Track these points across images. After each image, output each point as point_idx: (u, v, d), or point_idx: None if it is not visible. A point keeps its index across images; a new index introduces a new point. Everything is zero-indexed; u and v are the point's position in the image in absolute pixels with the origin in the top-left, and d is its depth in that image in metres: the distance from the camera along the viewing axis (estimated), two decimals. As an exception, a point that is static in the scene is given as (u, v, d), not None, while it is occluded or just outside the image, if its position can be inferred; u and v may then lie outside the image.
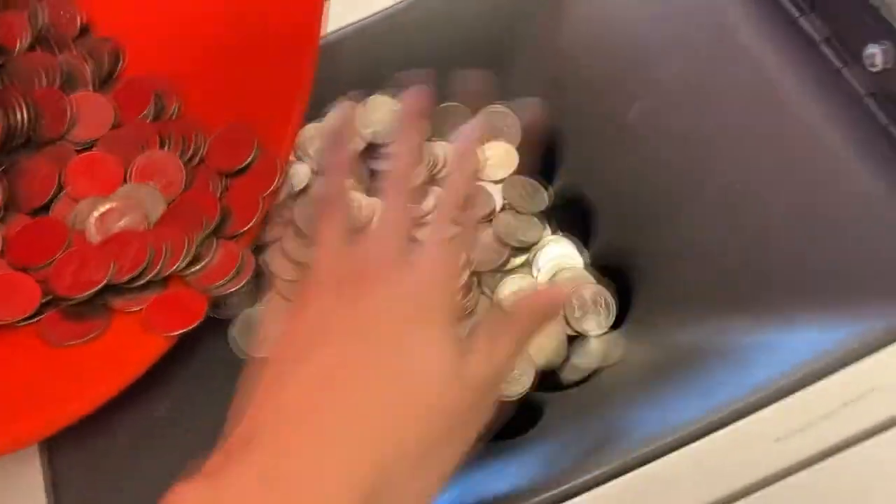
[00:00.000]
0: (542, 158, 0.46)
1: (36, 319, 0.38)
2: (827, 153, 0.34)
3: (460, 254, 0.36)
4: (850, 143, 0.34)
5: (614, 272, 0.43)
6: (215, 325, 0.41)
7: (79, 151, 0.43)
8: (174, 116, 0.45)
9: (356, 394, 0.30)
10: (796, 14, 0.35)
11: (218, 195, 0.42)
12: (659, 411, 0.35)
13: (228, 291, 0.40)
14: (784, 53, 0.36)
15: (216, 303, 0.40)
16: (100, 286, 0.38)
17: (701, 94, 0.40)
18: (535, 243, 0.43)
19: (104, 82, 0.46)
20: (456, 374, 0.31)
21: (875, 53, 0.31)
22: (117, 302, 0.39)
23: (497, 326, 0.34)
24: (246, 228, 0.41)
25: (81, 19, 0.47)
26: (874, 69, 0.32)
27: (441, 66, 0.44)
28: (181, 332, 0.38)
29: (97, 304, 0.39)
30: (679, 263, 0.40)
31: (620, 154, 0.43)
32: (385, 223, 0.35)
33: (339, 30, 0.47)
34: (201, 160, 0.43)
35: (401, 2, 0.47)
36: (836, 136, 0.34)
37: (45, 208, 0.42)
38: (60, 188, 0.42)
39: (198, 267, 0.40)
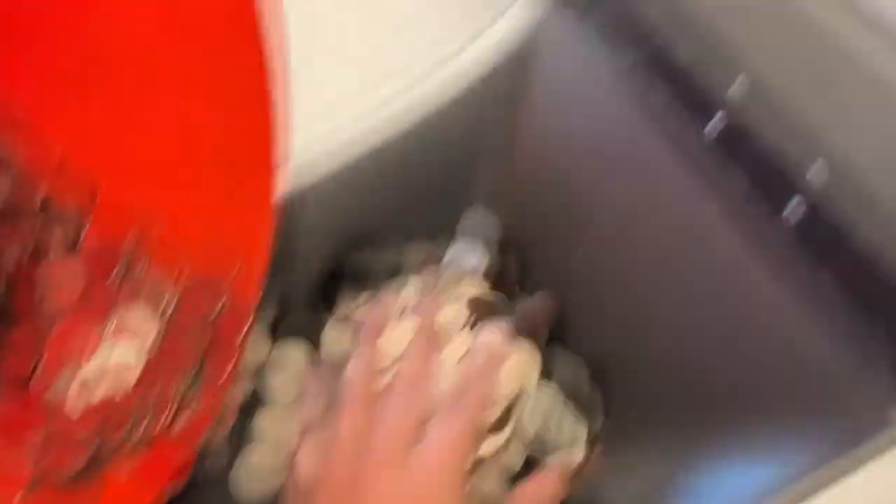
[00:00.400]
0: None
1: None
2: (762, 298, 0.37)
3: (468, 448, 0.37)
4: (784, 289, 0.36)
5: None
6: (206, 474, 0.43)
7: (53, 322, 0.44)
8: (143, 272, 0.47)
9: None
10: (719, 167, 0.38)
11: (194, 345, 0.43)
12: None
13: (215, 439, 0.41)
14: (712, 202, 0.38)
15: (204, 453, 0.41)
16: (87, 459, 0.39)
17: (646, 228, 0.43)
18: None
19: (73, 247, 0.47)
20: None
21: (797, 204, 0.34)
22: (108, 468, 0.39)
23: None
24: (225, 375, 0.42)
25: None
26: (797, 219, 0.35)
27: (406, 211, 0.48)
28: (174, 485, 0.39)
29: (88, 473, 0.39)
30: (631, 393, 0.43)
31: (578, 272, 0.46)
32: (398, 408, 0.37)
33: (305, 182, 0.48)
34: (175, 311, 0.45)
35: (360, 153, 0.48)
36: (770, 282, 0.36)
37: (25, 383, 0.42)
38: (38, 361, 0.42)
39: (182, 418, 0.41)
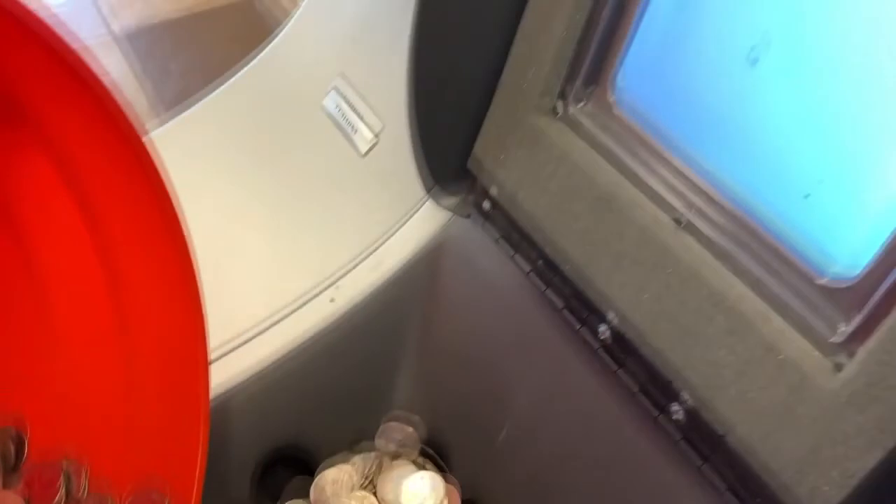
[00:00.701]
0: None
1: None
2: (659, 485, 0.40)
3: None
4: (678, 475, 0.39)
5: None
6: None
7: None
8: (84, 491, 0.48)
9: None
10: (614, 367, 0.42)
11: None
12: None
13: None
14: (611, 397, 0.42)
15: None
16: None
17: (550, 424, 0.46)
18: None
19: (12, 470, 0.49)
20: None
21: (678, 410, 0.39)
22: None
23: None
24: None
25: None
26: (680, 422, 0.39)
27: (326, 409, 0.51)
28: None
29: None
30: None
31: (495, 472, 0.49)
32: None
33: (229, 390, 0.51)
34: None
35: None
36: (665, 469, 0.40)
37: None
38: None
39: None
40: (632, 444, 0.42)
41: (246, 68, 0.61)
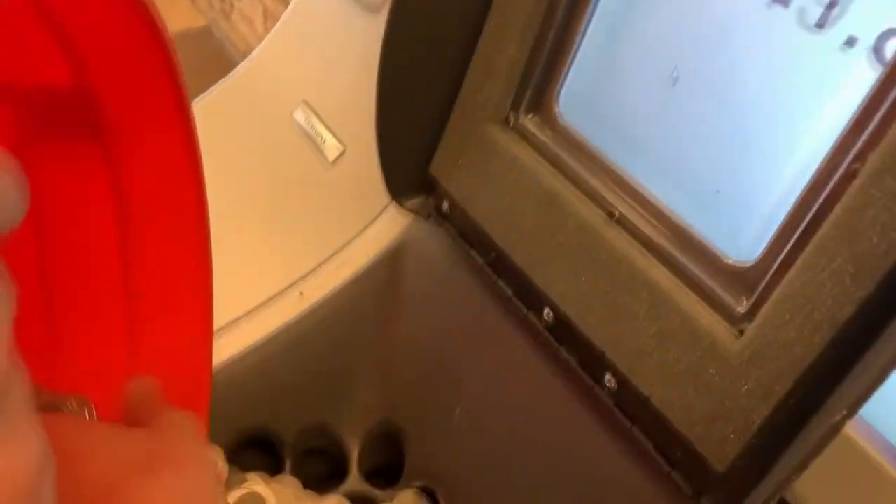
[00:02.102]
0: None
1: None
2: (594, 449, 0.46)
3: None
4: (610, 440, 0.45)
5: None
6: None
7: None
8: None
9: None
10: (556, 346, 0.48)
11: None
12: None
13: None
14: (553, 373, 0.48)
15: None
16: None
17: (499, 404, 0.52)
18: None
19: None
20: None
21: (610, 378, 0.44)
22: None
23: None
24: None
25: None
26: (612, 390, 0.44)
27: (293, 396, 0.55)
28: None
29: None
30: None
31: (449, 449, 0.54)
32: None
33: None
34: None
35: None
36: (600, 435, 0.46)
37: None
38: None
39: None
40: (571, 414, 0.48)
41: (220, 84, 0.66)
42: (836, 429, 0.32)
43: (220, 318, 0.58)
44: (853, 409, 0.31)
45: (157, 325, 0.54)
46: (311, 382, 0.57)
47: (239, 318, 0.58)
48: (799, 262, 0.36)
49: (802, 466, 0.36)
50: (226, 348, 0.57)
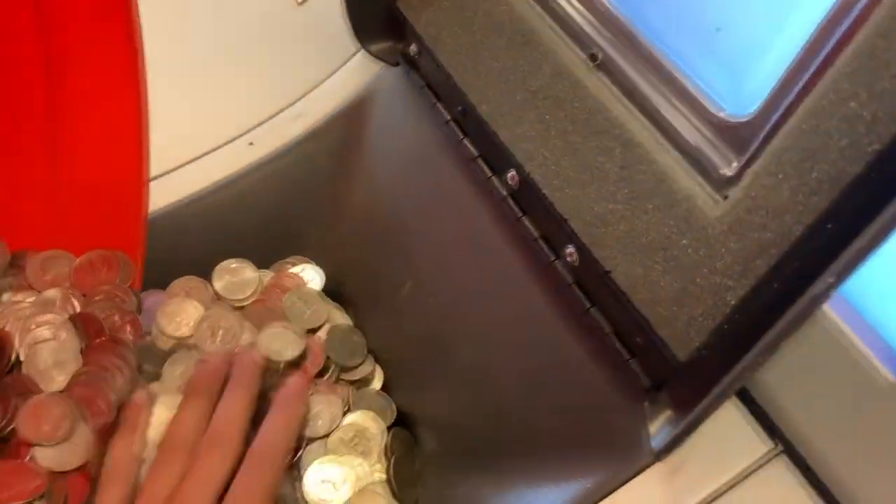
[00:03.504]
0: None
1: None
2: (547, 331, 0.41)
3: (267, 497, 0.37)
4: (565, 322, 0.40)
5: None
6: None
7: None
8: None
9: None
10: (518, 214, 0.42)
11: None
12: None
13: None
14: (511, 245, 0.42)
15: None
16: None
17: (451, 277, 0.46)
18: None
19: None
20: None
21: (572, 252, 0.39)
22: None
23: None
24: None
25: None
26: (574, 264, 0.39)
27: (240, 245, 0.50)
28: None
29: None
30: (439, 424, 0.45)
31: (397, 325, 0.49)
32: (192, 485, 0.37)
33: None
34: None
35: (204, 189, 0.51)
36: (554, 317, 0.40)
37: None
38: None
39: None
40: (527, 291, 0.42)
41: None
42: (818, 302, 0.26)
43: (163, 162, 0.52)
44: (842, 277, 0.25)
45: (83, 144, 0.49)
46: (255, 239, 0.52)
47: (185, 164, 0.52)
48: (801, 110, 0.29)
49: (772, 349, 0.30)
50: (169, 193, 0.51)
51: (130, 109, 0.47)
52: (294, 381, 0.42)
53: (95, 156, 0.49)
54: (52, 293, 0.45)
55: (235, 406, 0.39)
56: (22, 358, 0.42)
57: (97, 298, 0.45)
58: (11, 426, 0.39)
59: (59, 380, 0.41)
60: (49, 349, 0.42)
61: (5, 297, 0.44)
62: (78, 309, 0.44)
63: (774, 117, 0.31)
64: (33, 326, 0.43)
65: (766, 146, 0.30)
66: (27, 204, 0.48)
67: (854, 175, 0.27)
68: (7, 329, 0.42)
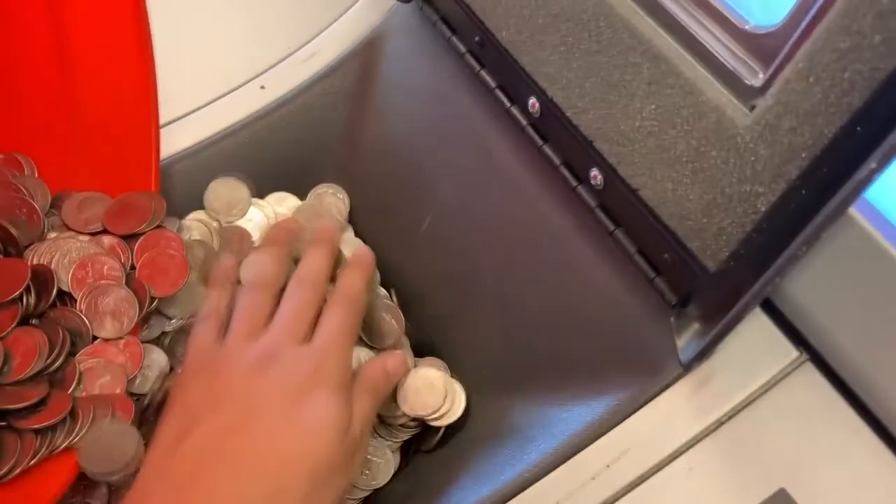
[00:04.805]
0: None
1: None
2: (573, 255, 0.41)
3: (352, 330, 0.41)
4: (589, 246, 0.41)
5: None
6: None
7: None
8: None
9: (243, 458, 0.35)
10: (540, 143, 0.42)
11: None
12: (459, 493, 0.40)
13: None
14: (533, 174, 0.43)
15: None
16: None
17: (473, 210, 0.47)
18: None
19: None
20: (344, 429, 0.37)
21: (596, 175, 0.39)
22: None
23: (362, 390, 0.40)
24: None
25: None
26: (598, 187, 0.39)
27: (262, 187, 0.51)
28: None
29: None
30: (464, 356, 0.46)
31: (418, 262, 0.49)
32: (290, 311, 0.40)
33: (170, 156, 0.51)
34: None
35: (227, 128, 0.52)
36: (578, 242, 0.41)
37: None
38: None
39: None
40: (550, 218, 0.43)
41: None
42: (859, 189, 0.27)
43: (175, 108, 0.52)
44: (885, 160, 0.26)
45: (94, 79, 0.49)
46: (269, 182, 0.52)
47: (196, 110, 0.52)
48: (832, 12, 0.29)
49: (799, 254, 0.31)
50: (181, 139, 0.51)
51: (136, 51, 0.47)
52: (361, 248, 0.47)
53: (107, 102, 0.49)
54: (106, 240, 0.46)
55: (318, 258, 0.42)
56: (76, 296, 0.43)
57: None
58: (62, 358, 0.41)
59: (112, 329, 0.43)
60: (112, 295, 0.43)
61: (52, 235, 0.45)
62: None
63: (803, 24, 0.31)
64: (90, 266, 0.44)
65: (796, 52, 0.31)
66: (44, 150, 0.48)
67: (889, 70, 0.27)
68: (52, 265, 0.43)
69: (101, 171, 0.48)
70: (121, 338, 0.43)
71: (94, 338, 0.43)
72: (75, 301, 0.43)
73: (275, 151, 0.52)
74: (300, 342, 0.39)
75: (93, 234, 0.45)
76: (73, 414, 0.39)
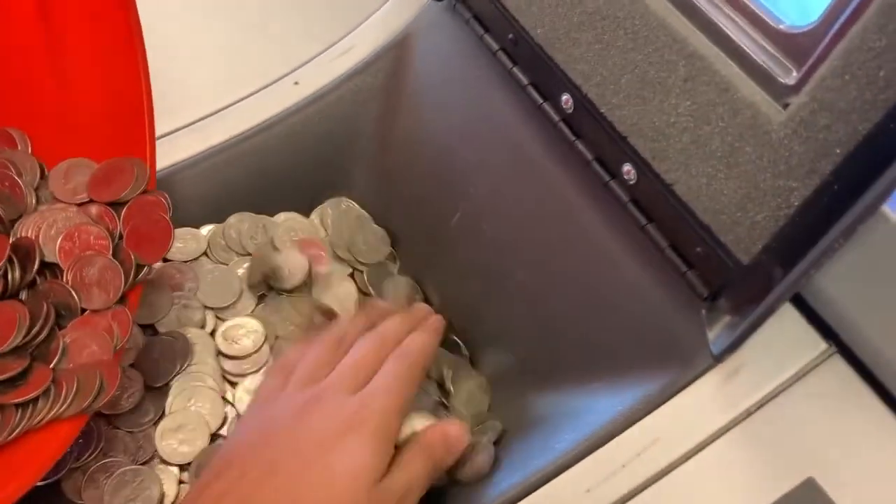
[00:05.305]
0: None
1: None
2: (602, 250, 0.42)
3: (406, 384, 0.40)
4: (620, 241, 0.42)
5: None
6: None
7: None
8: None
9: (291, 490, 0.35)
10: (572, 139, 0.43)
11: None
12: (487, 483, 0.41)
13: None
14: (565, 169, 0.44)
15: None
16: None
17: (504, 204, 0.48)
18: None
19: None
20: (372, 481, 0.36)
21: (629, 170, 0.40)
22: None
23: (417, 450, 0.39)
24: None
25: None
26: (630, 182, 0.40)
27: (287, 184, 0.51)
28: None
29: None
30: (493, 349, 0.47)
31: (447, 256, 0.50)
32: (350, 360, 0.40)
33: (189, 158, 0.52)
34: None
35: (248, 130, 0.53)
36: (609, 237, 0.42)
37: None
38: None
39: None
40: (581, 214, 0.44)
41: None
42: (893, 182, 0.28)
43: (210, 104, 0.53)
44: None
45: (83, 56, 0.49)
46: (303, 176, 0.53)
47: (230, 106, 0.54)
48: (868, 13, 0.30)
49: (833, 248, 0.32)
50: (215, 135, 0.52)
51: (123, 26, 0.47)
52: (436, 318, 0.46)
53: (97, 76, 0.48)
54: (94, 209, 0.46)
55: (399, 324, 0.43)
56: (63, 267, 0.43)
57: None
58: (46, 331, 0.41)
59: (100, 300, 0.42)
60: (97, 265, 0.43)
61: (43, 207, 0.45)
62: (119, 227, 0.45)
63: (838, 24, 0.32)
64: (76, 237, 0.44)
65: (831, 51, 0.32)
66: (38, 126, 0.48)
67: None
68: (38, 236, 0.43)
69: (95, 145, 0.47)
70: (109, 308, 0.43)
71: (84, 310, 0.43)
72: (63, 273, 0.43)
73: (308, 147, 0.53)
74: (352, 392, 0.39)
75: (80, 205, 0.45)
76: (56, 387, 0.39)
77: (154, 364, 0.46)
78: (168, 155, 0.52)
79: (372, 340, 0.41)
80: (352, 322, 0.44)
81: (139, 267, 0.44)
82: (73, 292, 0.42)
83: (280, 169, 0.53)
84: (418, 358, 0.41)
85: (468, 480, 0.42)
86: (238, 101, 0.53)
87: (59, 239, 0.43)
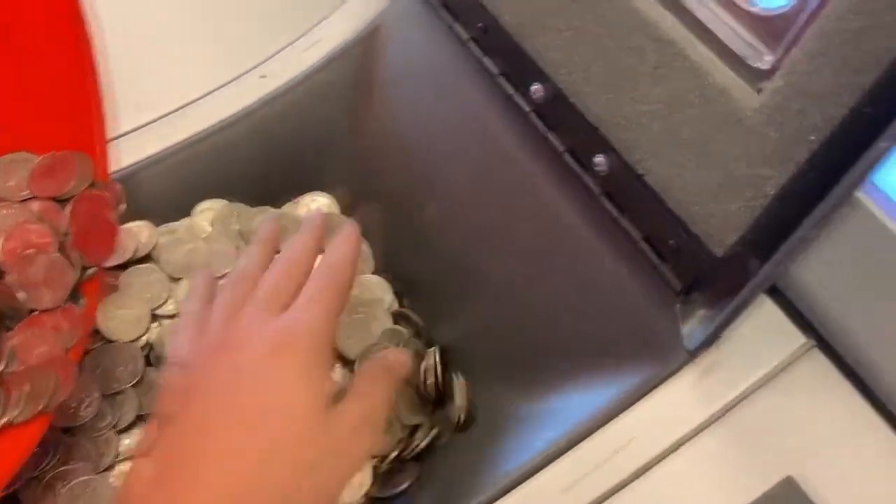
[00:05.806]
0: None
1: None
2: (578, 243, 0.41)
3: (331, 301, 0.37)
4: (595, 234, 0.40)
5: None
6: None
7: None
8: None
9: (228, 436, 0.33)
10: (544, 130, 0.42)
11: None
12: (464, 484, 0.40)
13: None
14: (538, 161, 0.43)
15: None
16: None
17: (477, 197, 0.46)
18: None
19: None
20: (315, 410, 0.34)
21: (601, 161, 0.39)
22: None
23: (370, 374, 0.38)
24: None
25: None
26: (602, 173, 0.39)
27: (252, 186, 0.50)
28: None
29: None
30: (467, 346, 0.46)
31: (420, 249, 0.49)
32: (261, 292, 0.37)
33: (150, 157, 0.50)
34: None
35: (216, 124, 0.51)
36: (584, 230, 0.41)
37: None
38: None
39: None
40: (553, 207, 0.43)
41: None
42: (869, 169, 0.27)
43: (175, 98, 0.52)
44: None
45: (21, 50, 0.46)
46: (272, 172, 0.52)
47: (195, 101, 0.52)
48: (843, -7, 0.29)
49: (809, 238, 0.31)
50: (181, 129, 0.51)
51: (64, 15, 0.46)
52: (349, 224, 0.41)
53: (44, 70, 0.47)
54: (36, 206, 0.44)
55: (305, 241, 0.39)
56: (3, 268, 0.42)
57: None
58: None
59: (47, 299, 0.41)
60: (41, 264, 0.42)
61: None
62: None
63: (812, 5, 0.31)
64: (18, 236, 0.42)
65: (805, 33, 0.30)
66: None
67: (901, 49, 0.27)
68: None
69: (38, 141, 0.46)
70: (59, 307, 0.41)
71: (34, 310, 0.41)
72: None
73: (276, 141, 0.52)
74: (273, 318, 0.36)
75: (22, 201, 0.44)
76: (5, 391, 0.38)
77: (106, 372, 0.45)
78: (133, 152, 0.50)
79: (281, 263, 0.38)
80: (247, 254, 0.40)
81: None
82: (19, 293, 0.41)
83: (249, 164, 0.52)
84: (340, 269, 0.38)
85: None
86: (204, 96, 0.51)
87: (1, 240, 0.42)
